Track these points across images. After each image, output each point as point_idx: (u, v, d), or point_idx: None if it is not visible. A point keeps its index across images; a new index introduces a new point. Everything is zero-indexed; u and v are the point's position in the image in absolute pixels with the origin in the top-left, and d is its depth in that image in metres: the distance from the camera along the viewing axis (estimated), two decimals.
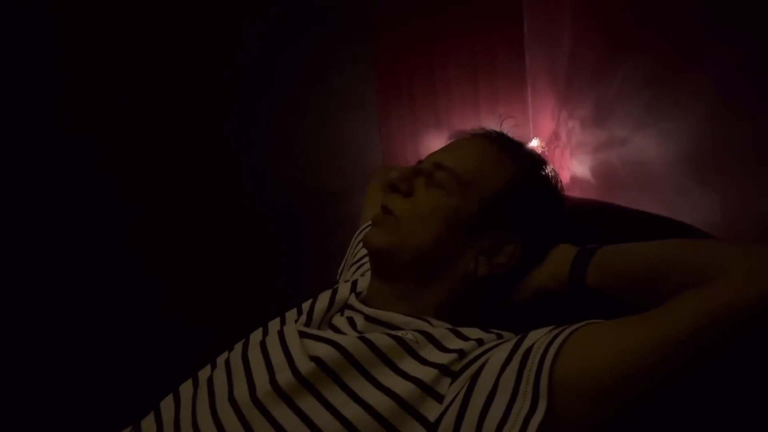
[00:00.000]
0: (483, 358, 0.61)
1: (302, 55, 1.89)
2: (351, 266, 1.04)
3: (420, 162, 0.81)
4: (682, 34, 1.30)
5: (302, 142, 1.95)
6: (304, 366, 0.62)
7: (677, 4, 1.30)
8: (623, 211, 0.99)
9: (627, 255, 0.66)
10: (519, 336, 0.62)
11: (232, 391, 0.64)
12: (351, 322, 0.74)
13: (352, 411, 0.58)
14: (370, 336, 0.65)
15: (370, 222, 0.80)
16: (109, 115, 1.75)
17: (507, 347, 0.60)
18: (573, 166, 1.88)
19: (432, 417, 0.58)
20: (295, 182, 1.97)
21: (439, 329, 0.68)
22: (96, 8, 1.68)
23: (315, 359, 0.62)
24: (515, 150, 0.80)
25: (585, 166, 1.81)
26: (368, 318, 0.73)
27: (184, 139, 1.83)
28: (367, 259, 0.98)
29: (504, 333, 0.68)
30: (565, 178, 1.86)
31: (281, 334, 0.69)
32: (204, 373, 0.72)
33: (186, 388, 0.70)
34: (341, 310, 0.79)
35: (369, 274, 0.83)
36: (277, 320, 0.78)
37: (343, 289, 0.81)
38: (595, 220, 0.96)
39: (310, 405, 0.60)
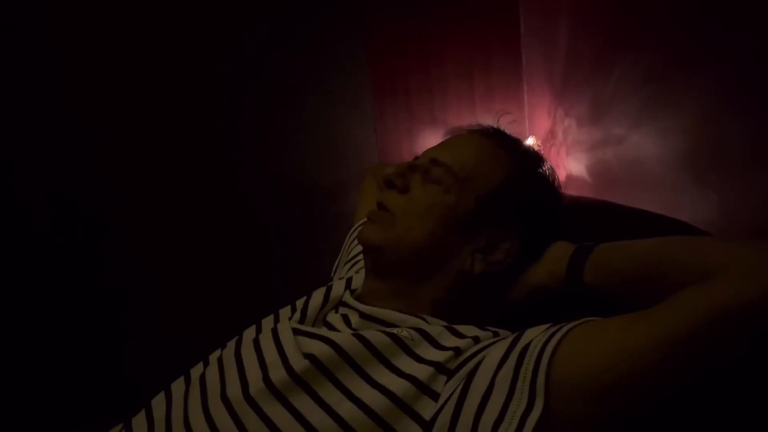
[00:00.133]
0: (479, 356, 0.60)
1: (297, 51, 1.88)
2: (346, 263, 1.04)
3: (416, 158, 0.80)
4: (679, 32, 1.30)
5: (297, 138, 1.95)
6: (298, 363, 0.61)
7: (674, 2, 1.30)
8: (620, 209, 0.99)
9: (625, 252, 0.65)
10: (515, 334, 0.62)
11: (225, 389, 0.63)
12: (346, 319, 0.73)
13: (346, 409, 0.58)
14: (364, 333, 0.64)
15: (365, 219, 0.79)
16: (102, 111, 1.74)
17: (503, 345, 0.60)
18: (569, 165, 1.88)
19: (427, 415, 0.57)
20: (290, 179, 1.96)
21: (435, 327, 0.67)
22: (91, 5, 1.67)
23: (309, 357, 0.61)
24: (512, 146, 0.80)
25: (581, 165, 1.81)
26: (363, 315, 0.72)
27: (177, 136, 1.82)
28: (362, 256, 0.97)
29: (500, 331, 0.67)
30: (561, 176, 1.85)
31: (275, 332, 0.68)
32: (196, 371, 0.71)
33: (178, 386, 0.69)
34: (336, 308, 0.78)
35: (364, 271, 0.82)
36: (271, 317, 0.78)
37: (338, 286, 0.81)
38: (592, 218, 0.95)
39: (303, 403, 0.59)
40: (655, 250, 0.62)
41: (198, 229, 1.86)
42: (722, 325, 0.49)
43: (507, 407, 0.53)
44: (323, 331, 0.68)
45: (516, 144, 0.81)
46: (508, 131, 0.83)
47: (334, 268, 1.12)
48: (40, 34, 1.64)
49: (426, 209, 0.73)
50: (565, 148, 1.90)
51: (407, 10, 1.94)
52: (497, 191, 0.74)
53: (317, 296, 0.79)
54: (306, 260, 1.90)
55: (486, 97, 2.04)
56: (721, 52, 1.17)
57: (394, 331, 0.65)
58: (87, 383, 1.79)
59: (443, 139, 0.83)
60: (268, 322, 0.77)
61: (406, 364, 0.61)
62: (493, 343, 0.62)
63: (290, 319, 0.75)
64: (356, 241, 1.03)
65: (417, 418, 0.57)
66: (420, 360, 0.61)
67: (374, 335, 0.64)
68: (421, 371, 0.60)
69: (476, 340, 0.64)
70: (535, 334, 0.59)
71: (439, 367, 0.60)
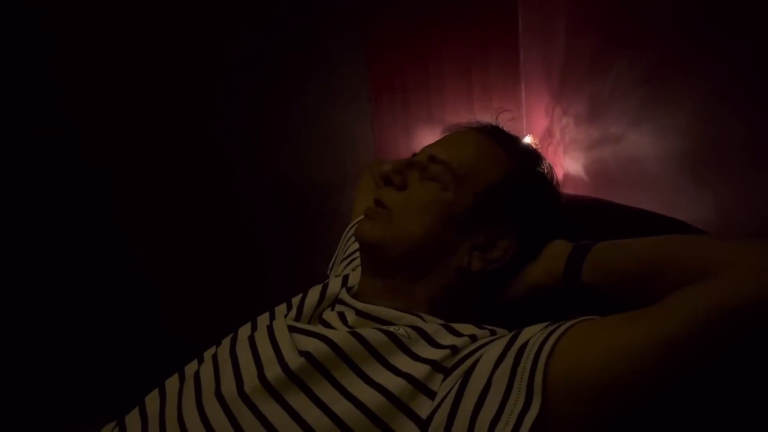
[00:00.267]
0: (476, 355, 0.60)
1: (294, 47, 1.87)
2: (342, 261, 1.03)
3: (414, 155, 0.80)
4: (677, 31, 1.30)
5: (294, 135, 1.94)
6: (294, 361, 0.60)
7: (672, 1, 1.30)
8: (618, 208, 0.99)
9: (623, 251, 0.65)
10: (513, 332, 0.61)
11: (219, 386, 0.62)
12: (342, 317, 0.73)
13: (342, 407, 0.57)
14: (361, 331, 0.64)
15: (361, 216, 0.79)
16: (99, 109, 1.73)
17: (501, 344, 0.59)
18: (566, 164, 1.88)
19: (424, 414, 0.57)
20: (287, 176, 1.95)
21: (432, 325, 0.67)
22: (88, 4, 1.66)
23: (305, 354, 0.61)
24: (511, 144, 0.79)
25: (578, 164, 1.80)
26: (359, 313, 0.72)
27: (173, 133, 1.81)
28: (358, 253, 0.97)
29: (498, 329, 0.67)
30: (558, 175, 1.85)
31: (270, 329, 0.68)
32: (191, 368, 0.71)
33: (172, 383, 0.69)
34: (332, 305, 0.78)
35: (361, 268, 0.81)
36: (266, 315, 0.77)
37: (334, 284, 0.80)
38: (590, 217, 0.95)
39: (299, 400, 0.58)
40: (653, 248, 0.62)
41: (194, 226, 1.86)
42: (721, 324, 0.48)
43: (504, 406, 0.53)
44: (319, 329, 0.67)
45: (515, 142, 0.81)
46: (506, 129, 0.82)
47: (330, 266, 1.11)
48: (38, 31, 1.63)
49: (424, 206, 0.72)
50: (563, 146, 1.90)
51: (405, 6, 1.94)
52: (496, 189, 0.73)
53: (313, 293, 0.78)
54: (302, 257, 1.90)
55: (483, 95, 2.03)
56: (720, 52, 1.17)
57: (391, 329, 0.65)
58: (82, 380, 1.78)
59: (441, 136, 0.82)
60: (263, 320, 0.76)
61: (402, 362, 0.61)
62: (491, 341, 0.62)
63: (286, 316, 0.75)
64: (353, 239, 1.03)
65: (413, 416, 0.57)
66: (417, 358, 0.61)
67: (371, 333, 0.63)
68: (418, 369, 0.59)
69: (473, 338, 0.63)
70: (532, 333, 0.58)
71: (436, 366, 0.60)
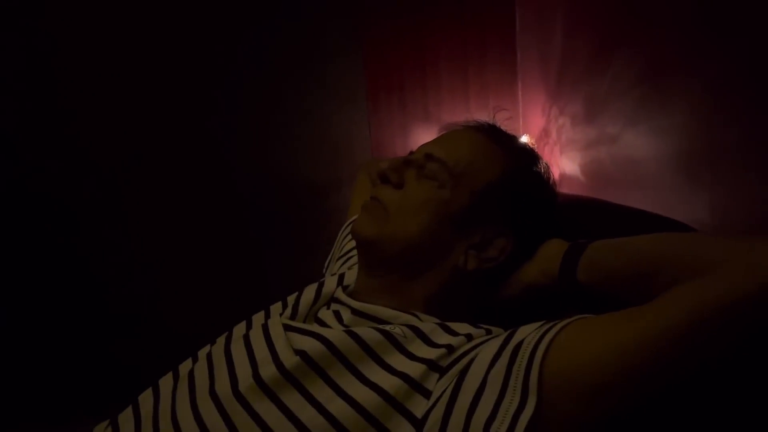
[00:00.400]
0: (472, 354, 0.60)
1: (292, 47, 1.87)
2: (338, 259, 1.03)
3: (411, 153, 0.79)
4: (674, 32, 1.30)
5: (291, 134, 1.94)
6: (289, 360, 0.60)
7: (669, 1, 1.30)
8: (614, 207, 0.99)
9: (618, 250, 0.64)
10: (509, 331, 0.61)
11: (214, 385, 0.62)
12: (337, 315, 0.73)
13: (337, 406, 0.57)
14: (356, 330, 0.63)
15: (358, 215, 0.78)
16: (97, 108, 1.72)
17: (496, 343, 0.59)
18: (563, 164, 1.88)
19: (419, 413, 0.57)
20: (284, 174, 1.95)
21: (428, 324, 0.67)
22: (86, 4, 1.65)
23: (300, 353, 0.61)
24: (508, 143, 0.79)
25: (575, 164, 1.81)
26: (355, 311, 0.71)
27: (170, 131, 1.80)
28: (354, 252, 0.97)
29: (493, 328, 0.67)
30: (554, 175, 1.86)
31: (265, 328, 0.68)
32: (185, 367, 0.70)
33: (166, 382, 0.68)
34: (327, 304, 0.78)
35: (356, 267, 0.81)
36: (262, 314, 0.77)
37: (330, 282, 0.80)
38: (586, 217, 0.95)
39: (293, 400, 0.58)
40: (648, 246, 0.61)
41: (190, 225, 1.85)
42: (718, 321, 0.48)
43: (499, 405, 0.53)
44: (315, 328, 0.67)
45: (511, 141, 0.81)
46: (503, 128, 0.82)
47: (326, 264, 1.11)
48: (38, 30, 1.63)
49: (420, 205, 0.72)
50: (559, 146, 1.90)
51: (402, 5, 1.94)
52: (492, 188, 0.73)
53: (309, 292, 0.78)
54: (298, 256, 1.89)
55: (480, 94, 2.04)
56: (716, 52, 1.17)
57: (387, 328, 0.65)
58: (75, 378, 1.78)
59: (438, 135, 0.82)
60: (258, 318, 0.76)
61: (398, 361, 0.60)
62: (486, 340, 0.62)
63: (281, 315, 0.74)
64: (349, 237, 1.03)
65: (409, 416, 0.57)
66: (412, 357, 0.61)
67: (366, 332, 0.63)
68: (414, 369, 0.59)
69: (469, 337, 0.63)
70: (528, 332, 0.58)
71: (432, 365, 0.59)
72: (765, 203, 1.07)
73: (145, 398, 0.67)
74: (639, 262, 0.61)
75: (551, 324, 0.57)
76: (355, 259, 0.94)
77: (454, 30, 1.98)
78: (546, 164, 0.82)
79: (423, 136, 2.00)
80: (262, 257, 1.95)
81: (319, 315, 0.75)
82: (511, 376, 0.54)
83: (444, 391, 0.57)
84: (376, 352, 0.61)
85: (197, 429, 0.59)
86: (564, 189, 1.78)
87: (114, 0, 1.68)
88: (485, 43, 2.01)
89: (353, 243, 0.98)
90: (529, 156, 0.80)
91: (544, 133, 1.97)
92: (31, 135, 1.68)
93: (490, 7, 2.00)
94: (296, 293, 0.78)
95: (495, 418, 0.52)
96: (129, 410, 0.66)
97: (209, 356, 0.68)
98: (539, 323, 0.59)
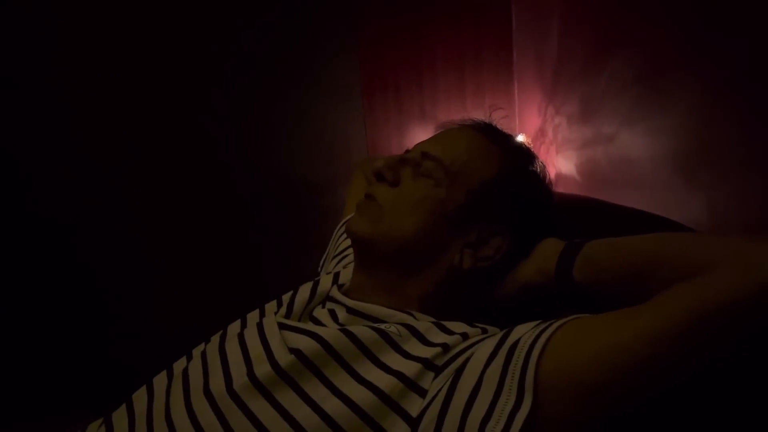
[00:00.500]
0: (467, 353, 0.60)
1: (287, 45, 1.86)
2: (333, 258, 1.03)
3: (407, 151, 0.79)
4: (670, 31, 1.30)
5: (287, 133, 1.93)
6: (284, 358, 0.60)
7: (666, 1, 1.30)
8: (610, 207, 0.99)
9: (615, 249, 0.64)
10: (504, 331, 0.61)
11: (208, 384, 0.62)
12: (332, 314, 0.72)
13: (332, 405, 0.57)
14: (352, 328, 0.63)
15: (353, 213, 0.78)
16: (95, 106, 1.72)
17: (492, 342, 0.59)
18: (559, 163, 1.88)
19: (414, 412, 0.56)
20: (280, 173, 1.94)
21: (423, 323, 0.66)
22: (84, 4, 1.64)
23: (295, 351, 0.60)
24: (504, 142, 0.79)
25: (571, 163, 1.81)
26: (350, 310, 0.71)
27: (167, 131, 1.80)
28: (349, 251, 0.96)
29: (489, 327, 0.67)
30: (550, 174, 1.86)
31: (260, 326, 0.67)
32: (179, 365, 0.70)
33: (160, 380, 0.68)
34: (323, 302, 0.77)
35: (352, 266, 0.81)
36: (256, 312, 0.77)
37: (325, 281, 0.80)
38: (582, 216, 0.95)
39: (288, 398, 0.58)
40: (646, 246, 0.61)
41: (186, 223, 1.85)
42: (716, 320, 0.48)
43: (495, 404, 0.53)
44: (310, 326, 0.67)
45: (508, 140, 0.80)
46: (500, 127, 0.82)
47: (321, 263, 1.11)
48: (38, 30, 1.63)
49: (416, 203, 0.72)
50: (555, 146, 1.90)
51: (398, 4, 1.94)
52: (488, 186, 0.73)
53: (304, 291, 0.78)
54: (293, 255, 1.90)
55: (476, 93, 2.03)
56: (712, 52, 1.17)
57: (382, 326, 0.64)
58: (70, 376, 1.77)
59: (434, 134, 0.82)
60: (253, 317, 0.76)
61: (393, 360, 0.60)
62: (482, 339, 0.62)
63: (276, 313, 0.74)
64: (344, 236, 1.03)
65: (404, 414, 0.56)
66: (408, 356, 0.61)
67: (361, 330, 0.63)
68: (409, 367, 0.59)
69: (465, 336, 0.63)
70: (524, 331, 0.58)
71: (427, 364, 0.59)
72: (762, 203, 1.07)
73: (139, 396, 0.66)
74: (636, 262, 0.61)
75: (547, 323, 0.57)
76: (350, 258, 0.93)
77: (451, 29, 1.98)
78: (542, 163, 0.81)
79: (419, 134, 2.00)
80: (258, 256, 1.94)
81: (315, 314, 0.74)
82: (507, 375, 0.54)
83: (439, 390, 0.57)
84: (371, 351, 0.61)
85: (191, 427, 0.58)
86: (560, 188, 1.78)
87: (110, 0, 1.68)
88: (481, 42, 2.01)
89: (348, 241, 0.98)
90: (526, 155, 0.80)
91: (540, 133, 1.97)
92: (31, 135, 1.67)
93: (486, 6, 1.99)
94: (291, 292, 0.78)
95: (491, 417, 0.52)
96: (123, 408, 0.65)
97: (203, 354, 0.67)
98: (535, 322, 0.59)
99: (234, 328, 0.74)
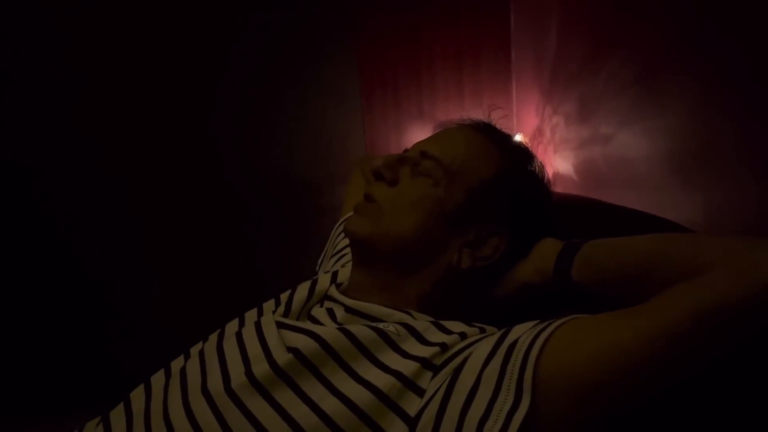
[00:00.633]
0: (466, 352, 0.59)
1: (285, 45, 1.86)
2: (331, 257, 1.03)
3: (406, 150, 0.79)
4: (668, 32, 1.30)
5: (285, 132, 1.93)
6: (282, 357, 0.60)
7: (664, 1, 1.30)
8: (607, 207, 0.99)
9: (614, 249, 0.64)
10: (503, 330, 0.61)
11: (206, 382, 0.62)
12: (331, 313, 0.72)
13: (330, 404, 0.57)
14: (350, 328, 0.63)
15: (351, 212, 0.78)
16: (94, 105, 1.72)
17: (491, 341, 0.59)
18: (556, 163, 1.88)
19: (412, 411, 0.56)
20: (277, 172, 1.94)
21: (421, 322, 0.66)
22: (83, 4, 1.64)
23: (293, 350, 0.60)
24: (503, 142, 0.79)
25: (568, 163, 1.81)
26: (348, 309, 0.71)
27: (165, 130, 1.80)
28: (347, 250, 0.96)
29: (487, 327, 0.67)
30: (548, 174, 1.86)
31: (258, 325, 0.67)
32: (177, 364, 0.70)
33: (158, 379, 0.68)
34: (321, 302, 0.77)
35: (350, 265, 0.81)
36: (254, 311, 0.76)
37: (323, 280, 0.80)
38: (579, 216, 0.95)
39: (286, 397, 0.58)
40: (645, 246, 0.61)
41: (184, 221, 1.85)
42: (717, 320, 0.48)
43: (493, 404, 0.52)
44: (308, 325, 0.67)
45: (507, 139, 0.80)
46: (498, 126, 0.82)
47: (319, 262, 1.11)
48: (39, 30, 1.62)
49: (415, 202, 0.71)
50: (553, 146, 1.90)
51: (396, 3, 1.93)
52: (487, 186, 0.73)
53: (302, 290, 0.77)
54: (291, 253, 1.89)
55: (475, 93, 2.04)
56: (710, 53, 1.17)
57: (380, 326, 0.64)
58: (67, 374, 1.77)
59: (433, 133, 0.82)
60: (251, 316, 0.75)
61: (391, 359, 0.60)
62: (480, 339, 0.61)
63: (274, 312, 0.74)
64: (342, 235, 1.03)
65: (402, 414, 0.56)
66: (406, 355, 0.60)
67: (360, 330, 0.63)
68: (407, 367, 0.59)
69: (463, 336, 0.63)
70: (522, 331, 0.58)
71: (425, 363, 0.59)
72: (759, 204, 1.07)
73: (137, 395, 0.66)
74: (635, 262, 0.61)
75: (546, 323, 0.57)
76: (348, 257, 0.93)
77: (449, 28, 1.98)
78: (540, 163, 0.81)
79: (417, 134, 2.00)
80: (257, 255, 1.94)
81: (313, 313, 0.74)
82: (505, 375, 0.54)
83: (438, 389, 0.57)
84: (369, 350, 0.61)
85: (189, 426, 0.58)
86: (558, 188, 1.78)
87: (108, 1, 1.67)
88: (480, 41, 2.01)
89: (346, 240, 0.98)
90: (524, 155, 0.80)
91: (538, 132, 1.97)
92: (30, 135, 1.67)
93: (484, 6, 2.00)
94: (289, 291, 0.78)
95: (489, 417, 0.52)
96: (120, 407, 0.65)
97: (201, 353, 0.67)
98: (534, 322, 0.59)
99: (232, 327, 0.73)
